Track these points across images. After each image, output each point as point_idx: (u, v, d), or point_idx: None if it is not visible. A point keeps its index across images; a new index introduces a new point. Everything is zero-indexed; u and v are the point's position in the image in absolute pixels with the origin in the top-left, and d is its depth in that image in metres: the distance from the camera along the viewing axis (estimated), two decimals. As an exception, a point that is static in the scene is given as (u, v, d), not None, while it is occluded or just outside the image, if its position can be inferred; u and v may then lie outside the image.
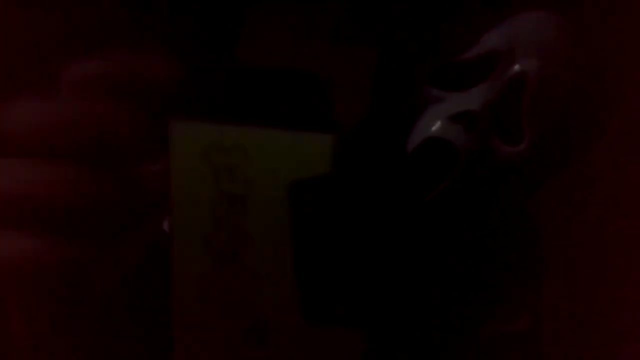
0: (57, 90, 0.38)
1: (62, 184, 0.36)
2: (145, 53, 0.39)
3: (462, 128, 0.55)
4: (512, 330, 0.66)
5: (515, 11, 0.57)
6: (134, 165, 0.38)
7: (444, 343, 0.61)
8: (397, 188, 0.59)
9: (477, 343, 0.62)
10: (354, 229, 0.52)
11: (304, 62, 0.98)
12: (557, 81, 0.56)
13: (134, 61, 0.38)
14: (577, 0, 0.59)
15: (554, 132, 0.58)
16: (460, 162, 0.55)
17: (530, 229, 0.69)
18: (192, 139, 0.34)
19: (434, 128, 0.55)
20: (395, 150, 0.60)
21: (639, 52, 0.61)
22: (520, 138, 0.56)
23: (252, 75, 0.42)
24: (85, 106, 0.37)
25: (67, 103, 0.36)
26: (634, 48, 0.60)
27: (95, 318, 0.46)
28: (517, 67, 0.54)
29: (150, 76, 0.38)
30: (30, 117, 0.36)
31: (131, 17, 0.50)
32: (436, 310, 0.60)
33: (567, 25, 0.56)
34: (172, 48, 0.55)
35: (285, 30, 1.00)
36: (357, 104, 0.65)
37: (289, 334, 0.41)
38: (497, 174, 0.57)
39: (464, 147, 0.55)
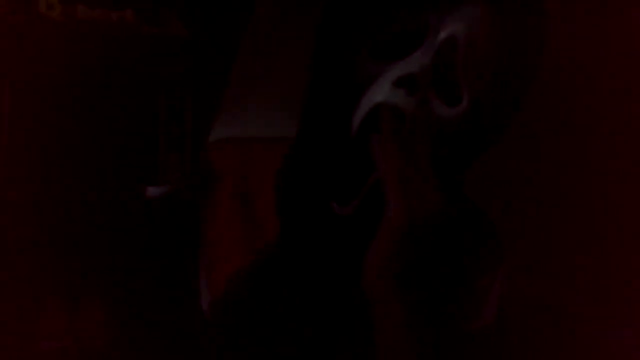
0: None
1: None
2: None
3: (404, 91, 0.56)
4: (479, 325, 0.65)
5: None
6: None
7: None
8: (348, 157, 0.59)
9: (450, 340, 0.60)
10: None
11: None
12: (485, 44, 0.57)
13: None
14: None
15: (490, 93, 0.59)
16: (407, 123, 0.56)
17: (485, 225, 0.70)
18: None
19: (379, 95, 0.57)
20: (344, 123, 0.59)
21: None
22: (460, 99, 0.58)
23: None
24: None
25: None
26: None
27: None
28: (446, 32, 0.56)
29: None
30: None
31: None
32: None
33: None
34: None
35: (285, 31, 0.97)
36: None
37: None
38: (441, 134, 0.58)
39: (409, 109, 0.56)
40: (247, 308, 0.65)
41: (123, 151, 0.44)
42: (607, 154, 1.10)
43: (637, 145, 1.07)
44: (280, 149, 0.71)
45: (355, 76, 0.59)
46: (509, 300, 0.78)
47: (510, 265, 0.76)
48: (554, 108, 1.15)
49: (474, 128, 0.60)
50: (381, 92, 0.57)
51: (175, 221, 0.66)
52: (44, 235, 0.47)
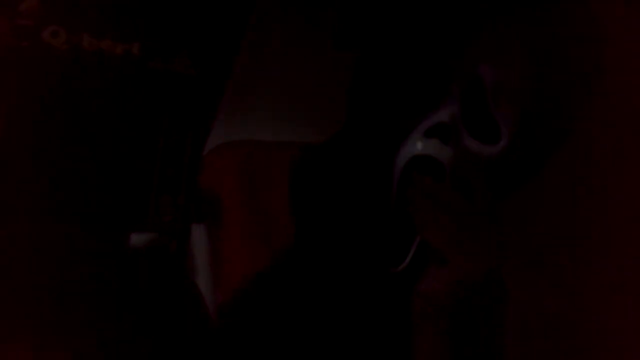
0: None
1: None
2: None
3: (438, 140, 0.58)
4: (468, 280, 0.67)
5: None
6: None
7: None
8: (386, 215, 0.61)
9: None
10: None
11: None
12: (513, 79, 0.59)
13: None
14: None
15: (527, 124, 0.61)
16: (447, 171, 0.58)
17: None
18: None
19: (413, 148, 0.59)
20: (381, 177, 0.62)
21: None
22: (499, 136, 0.60)
23: None
24: None
25: None
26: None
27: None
28: (470, 75, 0.58)
29: None
30: None
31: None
32: None
33: (512, 30, 0.59)
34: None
35: (287, 37, 0.97)
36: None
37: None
38: (484, 172, 0.60)
39: (445, 156, 0.58)
40: (258, 311, 0.67)
41: (114, 191, 0.43)
42: (608, 156, 1.10)
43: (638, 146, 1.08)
44: (287, 152, 0.72)
45: (389, 134, 0.61)
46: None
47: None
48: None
49: (517, 162, 0.62)
50: (413, 146, 0.59)
51: (157, 273, 0.66)
52: (17, 275, 0.46)
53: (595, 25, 0.63)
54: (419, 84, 0.61)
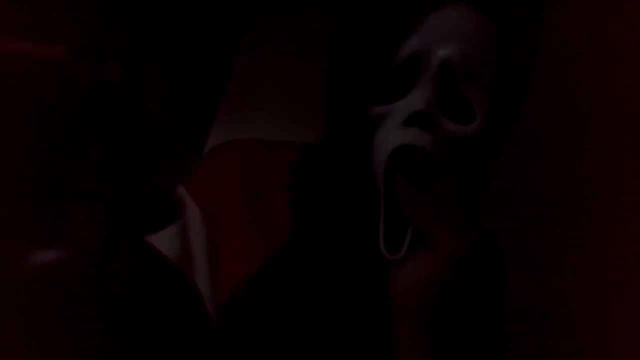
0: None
1: None
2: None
3: (417, 129, 0.60)
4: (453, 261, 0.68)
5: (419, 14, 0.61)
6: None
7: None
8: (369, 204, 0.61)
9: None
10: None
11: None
12: (481, 60, 0.61)
13: None
14: None
15: (498, 101, 0.63)
16: (430, 156, 0.59)
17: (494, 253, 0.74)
18: None
19: (393, 139, 0.60)
20: (361, 171, 0.62)
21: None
22: (473, 115, 0.62)
23: None
24: None
25: None
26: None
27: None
28: (438, 57, 0.60)
29: None
30: None
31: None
32: None
33: (472, 13, 0.61)
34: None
35: (287, 37, 0.97)
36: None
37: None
38: (463, 152, 0.62)
39: (426, 143, 0.59)
40: (257, 311, 0.67)
41: (29, 202, 0.40)
42: (606, 156, 1.10)
43: (636, 147, 1.08)
44: (287, 152, 0.72)
45: (361, 121, 0.62)
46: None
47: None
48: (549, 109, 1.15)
49: (490, 138, 0.64)
50: (394, 135, 0.60)
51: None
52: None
53: (538, 10, 0.65)
54: (387, 70, 0.62)
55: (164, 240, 0.68)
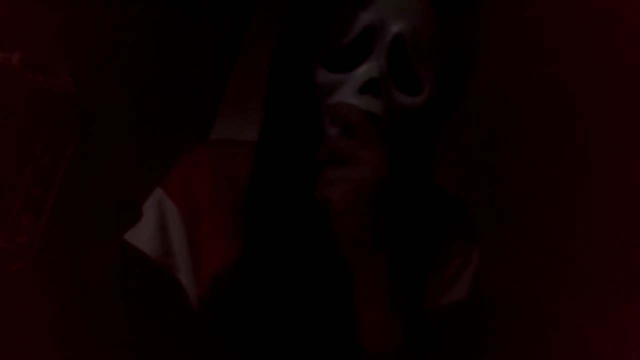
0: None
1: None
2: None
3: (371, 96, 0.64)
4: (450, 301, 0.71)
5: None
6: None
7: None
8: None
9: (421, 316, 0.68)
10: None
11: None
12: (429, 38, 0.66)
13: None
14: None
15: (445, 75, 0.68)
16: (380, 122, 0.64)
17: (458, 210, 0.77)
18: None
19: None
20: (313, 141, 0.65)
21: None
22: (421, 88, 0.67)
23: None
24: None
25: None
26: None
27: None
28: (392, 32, 0.64)
29: None
30: None
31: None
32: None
33: None
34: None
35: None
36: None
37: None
38: (411, 120, 0.67)
39: (378, 109, 0.64)
40: (233, 302, 0.69)
41: None
42: (597, 156, 1.10)
43: (619, 149, 1.07)
44: (252, 149, 0.74)
45: (313, 86, 0.66)
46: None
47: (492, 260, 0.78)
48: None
49: (436, 112, 0.69)
50: (349, 100, 0.64)
51: None
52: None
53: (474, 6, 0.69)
54: (343, 41, 0.65)
55: (145, 238, 0.71)
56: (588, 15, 1.11)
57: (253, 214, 0.69)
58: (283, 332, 0.68)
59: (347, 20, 0.65)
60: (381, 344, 0.63)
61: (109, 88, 1.01)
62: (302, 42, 0.67)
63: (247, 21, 1.22)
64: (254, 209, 0.70)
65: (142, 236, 0.71)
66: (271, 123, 0.71)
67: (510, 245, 1.11)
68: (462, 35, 0.68)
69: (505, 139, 1.18)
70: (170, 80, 1.19)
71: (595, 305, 1.06)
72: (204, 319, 0.70)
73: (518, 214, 1.15)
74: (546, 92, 1.17)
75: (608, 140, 1.10)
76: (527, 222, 1.14)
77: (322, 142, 0.65)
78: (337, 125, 0.64)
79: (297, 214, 0.67)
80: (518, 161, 1.18)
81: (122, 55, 1.07)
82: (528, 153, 1.18)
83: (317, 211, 0.62)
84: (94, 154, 0.93)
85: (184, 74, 1.16)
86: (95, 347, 0.67)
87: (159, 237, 0.71)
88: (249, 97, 1.24)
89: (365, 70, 0.64)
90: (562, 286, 1.09)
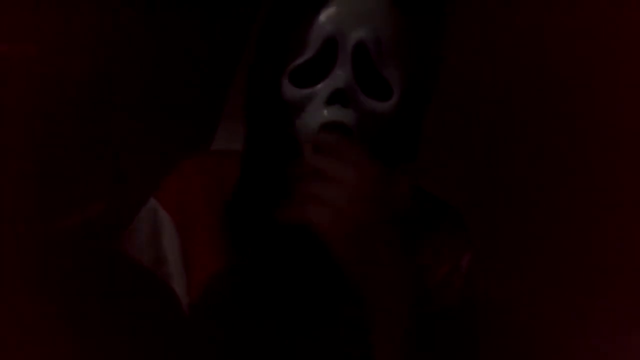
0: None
1: None
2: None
3: (339, 106, 0.64)
4: (442, 305, 0.71)
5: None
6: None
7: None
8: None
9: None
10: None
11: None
12: (392, 41, 0.65)
13: None
14: None
15: (413, 79, 0.68)
16: (353, 131, 0.64)
17: (450, 214, 0.77)
18: None
19: (317, 117, 0.65)
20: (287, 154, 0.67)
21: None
22: (390, 92, 0.67)
23: None
24: None
25: None
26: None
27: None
28: (353, 39, 0.65)
29: None
30: None
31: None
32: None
33: None
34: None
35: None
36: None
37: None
38: (384, 124, 0.66)
39: (349, 119, 0.64)
40: (223, 309, 0.70)
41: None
42: (608, 156, 1.09)
43: (614, 150, 1.07)
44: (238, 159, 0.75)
45: (283, 103, 0.67)
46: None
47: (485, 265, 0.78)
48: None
49: (409, 111, 0.69)
50: (317, 113, 0.65)
51: None
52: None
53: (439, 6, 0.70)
54: (307, 55, 0.66)
55: (139, 246, 0.73)
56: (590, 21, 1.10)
57: (235, 223, 0.71)
58: (273, 338, 0.69)
59: (307, 34, 0.66)
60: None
61: (109, 90, 1.02)
62: (267, 57, 0.69)
63: (249, 26, 1.23)
64: (235, 218, 0.71)
65: (136, 244, 0.72)
66: (250, 136, 0.72)
67: (508, 250, 1.11)
68: (426, 35, 0.69)
69: (505, 140, 1.18)
70: (173, 88, 1.20)
71: (593, 313, 1.06)
72: (193, 326, 0.71)
73: (516, 217, 1.15)
74: (548, 92, 1.16)
75: (610, 145, 1.10)
76: (525, 227, 1.14)
77: (295, 157, 0.66)
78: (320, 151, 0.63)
79: (275, 224, 0.67)
80: (518, 162, 1.18)
81: (122, 59, 1.08)
82: (528, 155, 1.18)
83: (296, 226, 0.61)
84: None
85: (186, 81, 1.17)
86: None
87: (153, 246, 0.72)
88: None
89: (330, 82, 0.65)
90: (560, 293, 1.09)
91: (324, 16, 0.66)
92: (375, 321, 0.61)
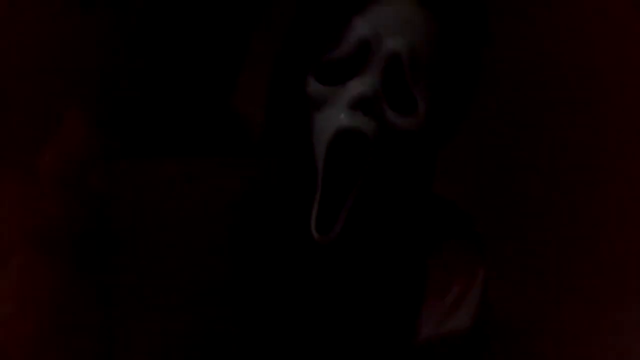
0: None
1: None
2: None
3: (361, 113, 0.62)
4: (452, 329, 0.67)
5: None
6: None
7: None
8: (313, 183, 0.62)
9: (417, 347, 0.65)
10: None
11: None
12: (426, 56, 0.63)
13: None
14: None
15: (442, 97, 0.66)
16: (370, 142, 0.61)
17: (465, 229, 0.74)
18: None
19: (337, 120, 0.62)
20: (303, 151, 0.64)
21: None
22: (415, 107, 0.64)
23: None
24: None
25: None
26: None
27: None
28: (388, 48, 0.63)
29: None
30: None
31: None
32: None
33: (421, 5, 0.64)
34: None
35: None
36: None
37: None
38: (404, 142, 0.64)
39: (368, 128, 0.61)
40: None
41: None
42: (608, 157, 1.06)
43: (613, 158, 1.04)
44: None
45: (306, 99, 0.64)
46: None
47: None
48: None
49: (433, 135, 0.67)
50: (337, 116, 0.62)
51: None
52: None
53: (481, 17, 0.68)
54: (336, 53, 0.64)
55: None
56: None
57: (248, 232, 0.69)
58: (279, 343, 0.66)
59: (342, 32, 0.64)
60: None
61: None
62: (297, 48, 0.66)
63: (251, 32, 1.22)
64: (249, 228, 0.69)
65: None
66: (268, 131, 0.70)
67: (521, 265, 1.08)
68: (466, 52, 0.67)
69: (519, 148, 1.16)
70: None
71: (608, 331, 1.02)
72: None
73: (529, 230, 1.12)
74: (564, 97, 1.13)
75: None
76: (539, 240, 1.11)
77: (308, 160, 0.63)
78: None
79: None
80: (532, 173, 1.15)
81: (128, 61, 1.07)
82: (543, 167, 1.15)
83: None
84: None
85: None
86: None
87: None
88: (253, 107, 1.23)
89: (357, 86, 0.62)
90: (575, 311, 1.05)
91: (362, 17, 0.64)
92: None
